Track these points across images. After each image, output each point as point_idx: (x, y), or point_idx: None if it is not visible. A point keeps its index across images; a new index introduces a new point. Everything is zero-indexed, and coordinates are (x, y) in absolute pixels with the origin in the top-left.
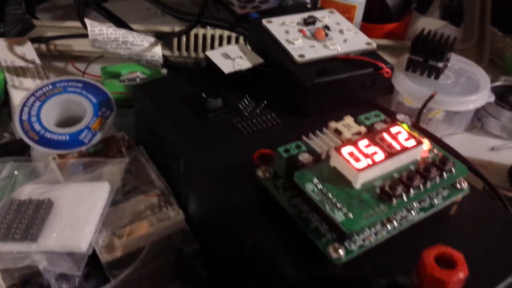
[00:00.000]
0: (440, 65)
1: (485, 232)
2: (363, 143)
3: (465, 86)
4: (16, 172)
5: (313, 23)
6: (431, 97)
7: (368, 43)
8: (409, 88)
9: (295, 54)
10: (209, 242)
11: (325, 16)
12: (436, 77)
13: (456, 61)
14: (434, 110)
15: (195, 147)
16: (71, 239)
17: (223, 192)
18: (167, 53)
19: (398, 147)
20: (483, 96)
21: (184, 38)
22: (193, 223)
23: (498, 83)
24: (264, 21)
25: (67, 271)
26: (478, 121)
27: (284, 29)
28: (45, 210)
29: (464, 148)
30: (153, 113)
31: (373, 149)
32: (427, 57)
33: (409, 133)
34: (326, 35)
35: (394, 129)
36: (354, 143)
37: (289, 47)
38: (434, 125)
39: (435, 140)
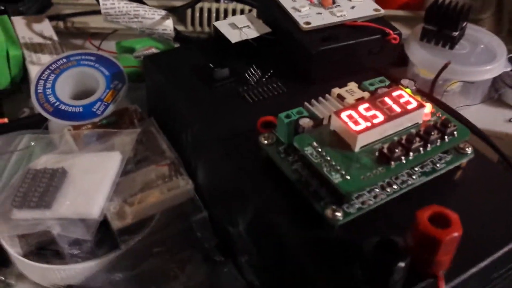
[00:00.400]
0: (455, 34)
1: (489, 199)
2: (363, 106)
3: (481, 56)
4: (32, 144)
5: None
6: (445, 66)
7: (376, 9)
8: (423, 58)
9: (301, 21)
10: (217, 210)
11: None
12: (451, 47)
13: (472, 30)
14: (450, 81)
15: (202, 116)
16: (83, 206)
17: (228, 160)
18: (181, 28)
19: (398, 110)
20: (500, 66)
21: (197, 13)
22: (202, 191)
23: None
24: None
25: (79, 236)
26: (495, 92)
27: None
28: (59, 179)
29: (480, 120)
30: (162, 83)
31: (373, 112)
32: (442, 26)
33: (410, 96)
34: (333, 2)
35: (395, 93)
36: (354, 107)
37: (295, 15)
38: (451, 97)
39: (442, 107)
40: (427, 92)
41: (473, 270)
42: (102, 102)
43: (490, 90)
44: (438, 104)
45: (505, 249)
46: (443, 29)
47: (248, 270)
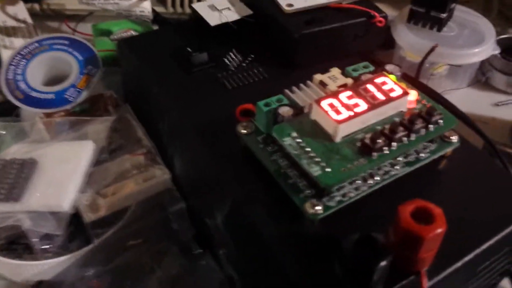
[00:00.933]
0: (443, 16)
1: (474, 189)
2: (345, 94)
3: (469, 38)
4: (3, 132)
5: None
6: (432, 49)
7: None
8: (410, 41)
9: (283, 3)
10: (194, 200)
11: None
12: (439, 29)
13: (460, 12)
14: (437, 65)
15: (179, 103)
16: (53, 199)
17: (205, 149)
18: (161, 9)
19: (382, 98)
20: (488, 49)
21: None
22: (179, 181)
23: (505, 36)
24: None
25: (50, 231)
26: (482, 75)
27: None
28: (29, 170)
29: (467, 104)
30: (138, 68)
31: (355, 100)
32: (429, 7)
33: (394, 83)
34: None
35: (379, 80)
36: (335, 95)
37: None
38: (437, 80)
39: (428, 92)
40: (413, 76)
41: (458, 264)
42: (75, 88)
43: (478, 74)
44: (424, 89)
45: (491, 241)
46: (431, 11)
47: (226, 263)
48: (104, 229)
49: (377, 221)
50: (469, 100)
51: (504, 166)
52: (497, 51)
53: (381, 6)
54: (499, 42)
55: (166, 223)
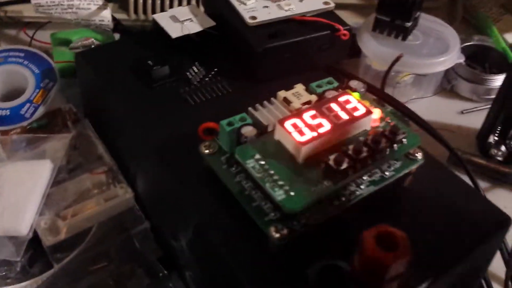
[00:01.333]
0: (408, 25)
1: (441, 205)
2: (308, 114)
3: (434, 47)
4: None
5: None
6: (397, 59)
7: (325, 3)
8: (375, 50)
9: (246, 15)
10: (158, 220)
11: None
12: (404, 38)
13: (425, 20)
14: (402, 73)
15: (139, 120)
16: (10, 222)
17: (167, 169)
18: (123, 16)
19: (345, 117)
20: (452, 57)
21: (141, 0)
22: (142, 200)
23: (470, 43)
24: None
25: (7, 257)
26: (448, 83)
27: None
28: None
29: (433, 112)
30: (95, 83)
31: (319, 120)
32: (394, 16)
33: (358, 102)
34: None
35: (342, 98)
36: (299, 115)
37: (240, 8)
38: (403, 89)
39: (394, 103)
40: (378, 85)
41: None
42: (31, 104)
43: (443, 81)
44: (389, 100)
45: (457, 268)
46: (395, 20)
47: (192, 285)
48: (65, 252)
49: (343, 244)
50: (435, 108)
51: (469, 177)
52: (461, 59)
53: (347, 14)
54: (464, 50)
55: (130, 244)
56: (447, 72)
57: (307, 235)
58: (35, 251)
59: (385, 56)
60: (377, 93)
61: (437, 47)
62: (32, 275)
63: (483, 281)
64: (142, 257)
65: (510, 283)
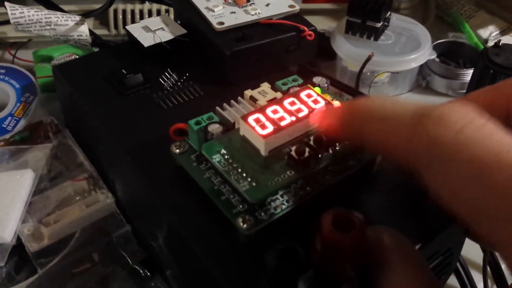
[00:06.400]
0: (378, 25)
1: (408, 190)
2: (271, 109)
3: (406, 45)
4: None
5: None
6: (368, 58)
7: (291, 6)
8: (349, 51)
9: (214, 21)
10: (137, 223)
11: None
12: (376, 38)
13: (397, 20)
14: (378, 73)
15: (114, 126)
16: None
17: (141, 172)
18: (104, 32)
19: (306, 110)
20: (424, 54)
21: (120, 15)
22: (122, 205)
23: (444, 40)
24: None
25: None
26: (423, 79)
27: None
28: None
29: None
30: (71, 94)
31: (280, 114)
32: (365, 18)
33: (318, 95)
34: (248, 0)
35: (303, 93)
36: (262, 110)
37: (208, 15)
38: (380, 87)
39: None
40: (352, 85)
41: None
42: (12, 117)
43: (418, 78)
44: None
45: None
46: (366, 21)
47: (173, 283)
48: (49, 258)
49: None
50: None
51: None
52: (433, 56)
53: (320, 18)
54: (437, 47)
55: (113, 248)
56: (421, 69)
57: (276, 225)
58: (20, 257)
59: (358, 57)
60: (343, 89)
61: (409, 45)
62: (18, 281)
63: (459, 266)
64: (125, 260)
65: (488, 268)
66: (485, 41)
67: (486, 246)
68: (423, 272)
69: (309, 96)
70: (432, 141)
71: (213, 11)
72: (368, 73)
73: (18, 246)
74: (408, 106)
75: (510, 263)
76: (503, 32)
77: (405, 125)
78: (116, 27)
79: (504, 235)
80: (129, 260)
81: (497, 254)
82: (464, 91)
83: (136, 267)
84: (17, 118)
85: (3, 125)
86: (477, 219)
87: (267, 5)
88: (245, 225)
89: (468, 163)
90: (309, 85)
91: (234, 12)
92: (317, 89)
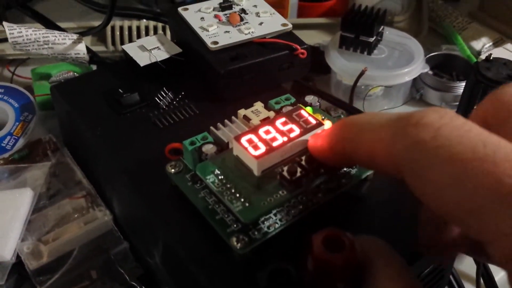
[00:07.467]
0: (371, 40)
1: (398, 210)
2: (263, 129)
3: (399, 59)
4: None
5: (230, 7)
6: (362, 73)
7: (283, 24)
8: (342, 65)
9: (208, 41)
10: (135, 240)
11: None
12: (369, 53)
13: (390, 34)
14: (372, 86)
15: (111, 145)
16: None
17: (136, 191)
18: (101, 49)
19: (298, 130)
20: (417, 68)
21: (117, 32)
22: (120, 222)
23: (437, 53)
24: (179, 9)
25: None
26: (416, 92)
27: (200, 16)
28: None
29: None
30: (69, 113)
31: (273, 134)
32: (358, 32)
33: (309, 115)
34: (242, 19)
35: (295, 113)
36: (255, 130)
37: (203, 35)
38: (374, 101)
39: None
40: (347, 100)
41: None
42: (12, 136)
43: (412, 91)
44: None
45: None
46: (359, 36)
47: None
48: (48, 275)
49: (300, 250)
50: None
51: None
52: (426, 69)
53: (314, 32)
54: (430, 59)
55: (111, 265)
56: (415, 82)
57: (270, 243)
58: (20, 275)
59: (352, 71)
60: (337, 104)
61: (402, 59)
62: None
63: (452, 279)
64: (123, 277)
65: (482, 280)
66: (478, 53)
67: (476, 258)
68: (404, 274)
69: (300, 115)
70: (413, 143)
71: (207, 30)
72: (362, 87)
73: (18, 264)
74: (392, 115)
75: (499, 259)
76: (496, 44)
77: (387, 132)
78: (113, 43)
79: (489, 232)
80: (126, 277)
81: (489, 266)
82: (457, 103)
83: (133, 283)
84: (16, 137)
85: (2, 144)
86: (465, 220)
87: (261, 24)
88: (239, 244)
89: (448, 163)
90: (300, 104)
91: (228, 32)
92: (308, 108)
